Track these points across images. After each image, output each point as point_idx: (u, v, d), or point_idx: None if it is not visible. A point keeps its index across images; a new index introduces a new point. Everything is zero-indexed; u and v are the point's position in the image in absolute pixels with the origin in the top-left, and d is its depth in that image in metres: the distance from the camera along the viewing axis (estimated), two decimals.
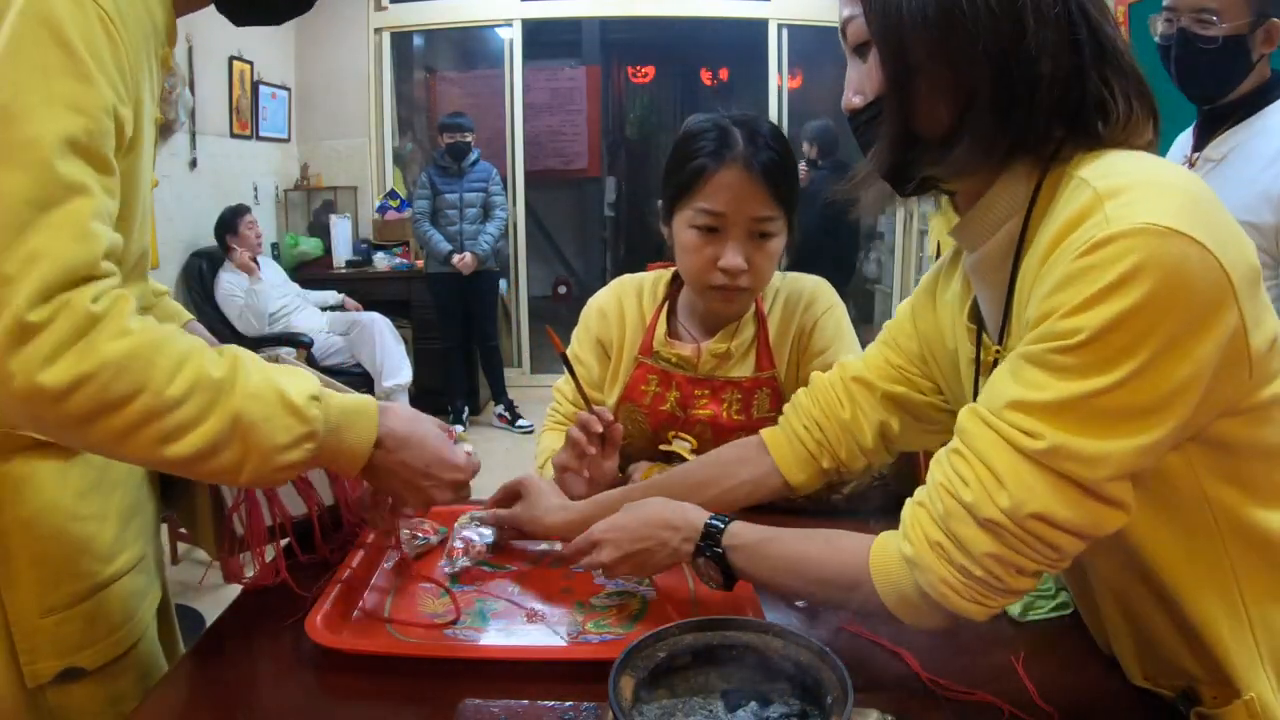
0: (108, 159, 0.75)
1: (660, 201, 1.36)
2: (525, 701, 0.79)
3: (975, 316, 0.86)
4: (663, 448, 1.36)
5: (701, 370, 1.38)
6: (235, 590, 1.06)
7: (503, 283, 5.20)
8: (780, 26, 5.41)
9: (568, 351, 1.41)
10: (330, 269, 5.17)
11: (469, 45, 6.94)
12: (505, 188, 5.05)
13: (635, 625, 0.96)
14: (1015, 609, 0.97)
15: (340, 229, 5.21)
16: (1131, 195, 0.63)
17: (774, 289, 1.43)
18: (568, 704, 0.78)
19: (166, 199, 4.07)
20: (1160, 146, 0.75)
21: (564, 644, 0.94)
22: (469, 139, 4.58)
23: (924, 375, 0.99)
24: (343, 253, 5.23)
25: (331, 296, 4.75)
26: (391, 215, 5.35)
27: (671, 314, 1.43)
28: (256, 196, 5.01)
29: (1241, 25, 1.66)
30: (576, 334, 1.49)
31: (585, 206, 7.65)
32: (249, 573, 1.06)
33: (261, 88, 4.98)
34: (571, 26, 6.65)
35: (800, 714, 0.69)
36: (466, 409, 4.87)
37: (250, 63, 4.83)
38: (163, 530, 1.16)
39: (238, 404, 0.77)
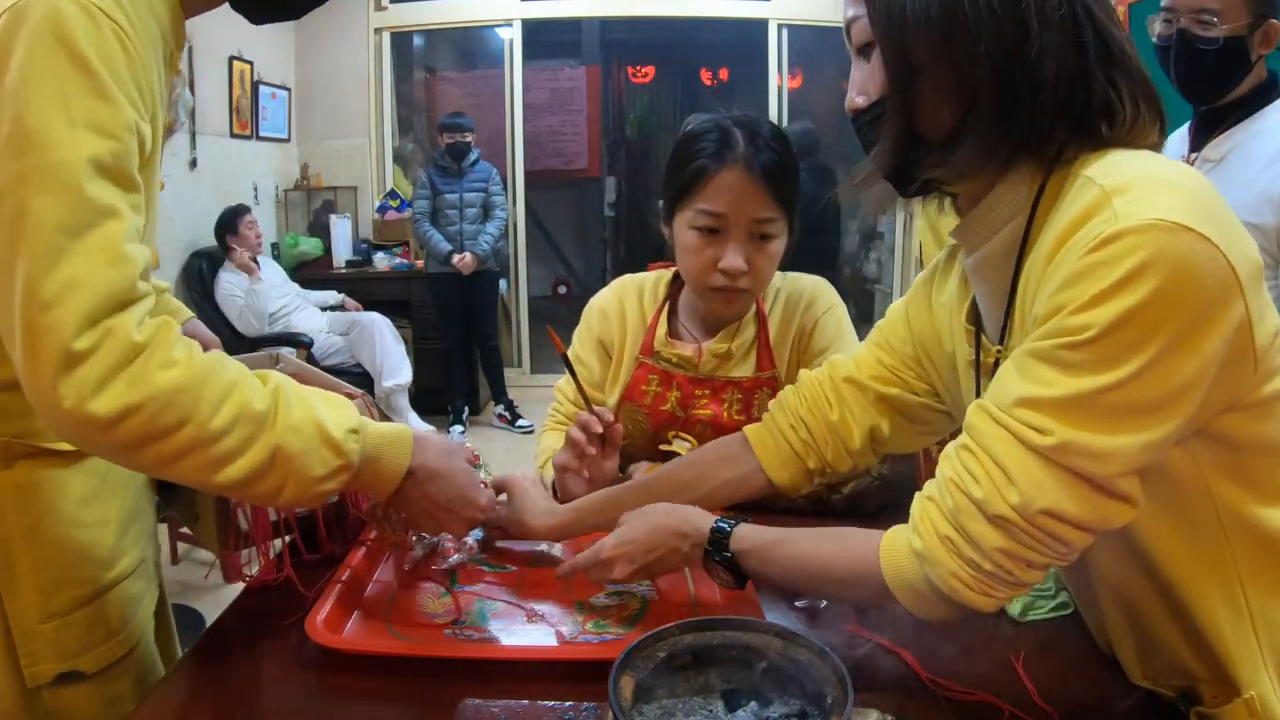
0: (133, 177, 0.76)
1: (661, 202, 1.36)
2: (525, 701, 0.79)
3: (974, 318, 0.86)
4: (663, 448, 1.36)
5: (702, 370, 1.38)
6: (235, 590, 1.06)
7: (503, 283, 5.20)
8: (780, 26, 5.41)
9: (569, 351, 1.41)
10: (330, 269, 5.17)
11: (469, 45, 6.94)
12: (505, 188, 5.05)
13: (635, 625, 0.96)
14: (1015, 609, 0.97)
15: (340, 229, 5.21)
16: (1139, 191, 0.63)
17: (774, 289, 1.43)
18: (568, 704, 0.78)
19: (166, 199, 4.05)
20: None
21: (564, 644, 0.94)
22: (469, 139, 4.58)
23: (918, 377, 0.99)
24: (343, 253, 5.23)
25: (331, 296, 4.75)
26: (391, 215, 5.35)
27: (672, 314, 1.43)
28: (256, 196, 5.01)
29: (1241, 26, 1.66)
30: (578, 334, 1.49)
31: (585, 206, 7.65)
32: (251, 570, 1.06)
33: (261, 88, 4.98)
34: (571, 26, 6.65)
35: (800, 714, 0.69)
36: (466, 409, 4.87)
37: (250, 63, 4.83)
38: (162, 530, 1.16)
39: (278, 437, 0.79)
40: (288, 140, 5.37)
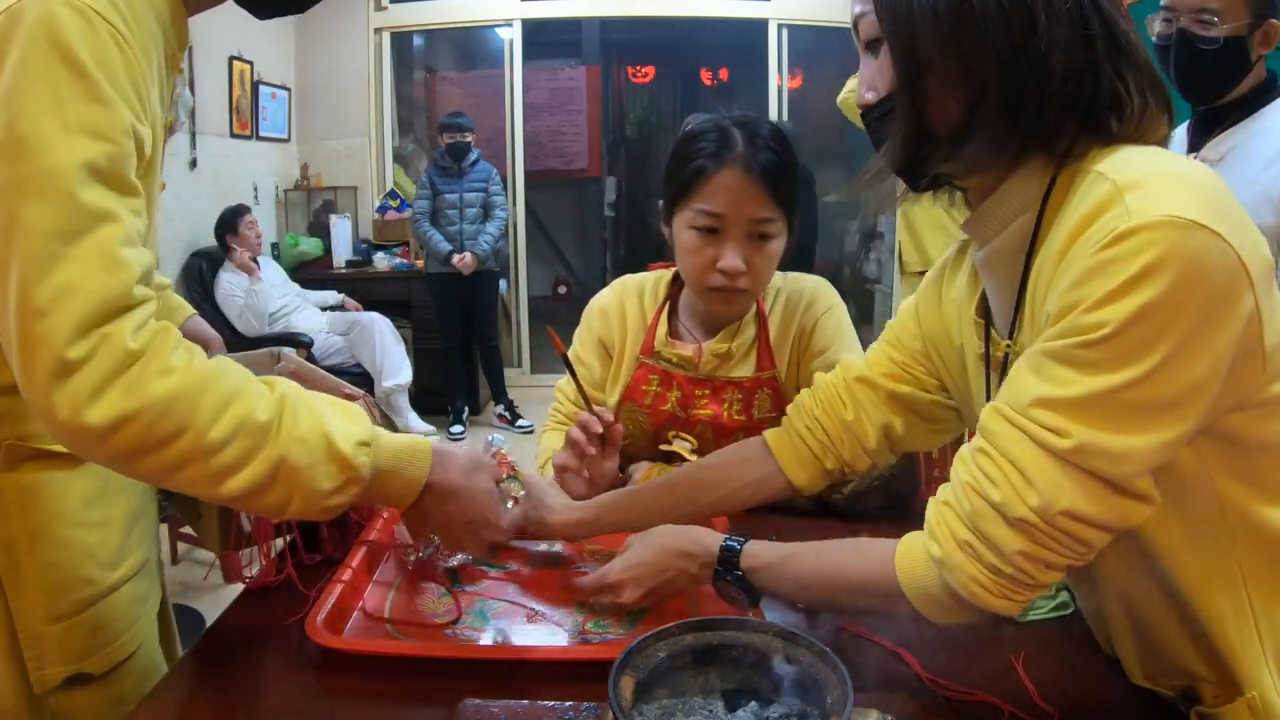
0: (130, 180, 0.74)
1: (661, 202, 1.36)
2: (525, 701, 0.79)
3: (984, 311, 0.86)
4: (663, 448, 1.36)
5: (703, 370, 1.38)
6: (235, 590, 1.06)
7: (503, 283, 5.20)
8: (780, 26, 5.41)
9: (570, 352, 1.41)
10: (330, 269, 5.17)
11: (469, 45, 6.93)
12: (505, 188, 5.05)
13: (635, 625, 0.96)
14: None
15: (340, 229, 5.21)
16: (1151, 188, 0.63)
17: (775, 289, 1.43)
18: (568, 704, 0.78)
19: (166, 199, 4.00)
20: None
21: (564, 644, 0.94)
22: (469, 139, 4.58)
23: (929, 373, 0.99)
24: (343, 253, 5.22)
25: (331, 296, 4.75)
26: (391, 215, 5.35)
27: (673, 314, 1.43)
28: (256, 196, 5.01)
29: (1241, 26, 1.65)
30: (579, 334, 1.50)
31: (585, 206, 7.64)
32: (252, 571, 1.06)
33: (261, 88, 4.98)
34: (571, 26, 6.65)
35: (800, 714, 0.69)
36: (466, 409, 4.87)
37: (250, 63, 4.83)
38: (162, 530, 1.17)
39: (282, 449, 0.77)
40: (288, 140, 5.37)
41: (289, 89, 5.33)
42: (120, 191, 0.73)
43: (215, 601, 2.52)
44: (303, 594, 0.99)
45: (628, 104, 7.82)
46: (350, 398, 1.04)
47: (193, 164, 4.38)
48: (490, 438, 1.23)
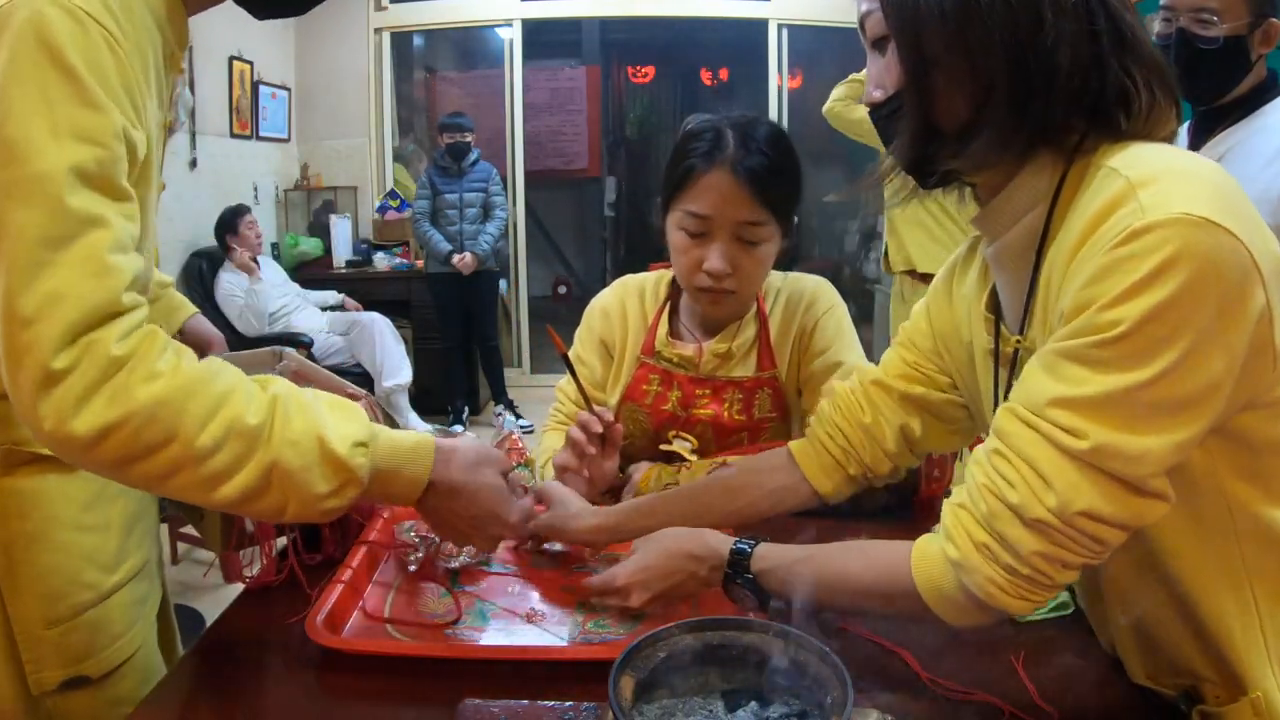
0: (122, 185, 0.73)
1: (659, 200, 1.36)
2: (525, 701, 0.79)
3: (994, 306, 0.86)
4: (663, 448, 1.36)
5: (703, 370, 1.38)
6: (235, 590, 1.06)
7: (503, 283, 5.20)
8: (780, 26, 5.41)
9: (571, 352, 1.41)
10: (330, 269, 5.17)
11: (469, 45, 6.93)
12: (505, 188, 5.05)
13: (635, 625, 0.96)
14: None
15: (340, 229, 5.21)
16: (1164, 184, 0.63)
17: (775, 289, 1.43)
18: (568, 704, 0.78)
19: (166, 199, 4.00)
20: None
21: (564, 644, 0.94)
22: (469, 139, 4.58)
23: (940, 370, 0.99)
24: (343, 253, 5.22)
25: (331, 296, 4.75)
26: (391, 215, 5.35)
27: (673, 314, 1.43)
28: (256, 196, 5.01)
29: (1241, 25, 1.65)
30: (579, 334, 1.50)
31: (585, 206, 7.64)
32: (252, 570, 1.06)
33: (261, 88, 4.97)
34: (571, 26, 6.65)
35: (800, 714, 0.69)
36: (466, 409, 4.87)
37: (250, 63, 4.83)
38: (162, 530, 1.16)
39: (274, 452, 0.75)
40: (288, 140, 5.37)
41: (289, 89, 5.33)
42: (110, 196, 0.71)
43: (215, 601, 2.52)
44: (303, 594, 0.99)
45: (628, 104, 7.82)
46: (354, 398, 1.04)
47: (193, 164, 4.38)
48: (504, 419, 1.23)
